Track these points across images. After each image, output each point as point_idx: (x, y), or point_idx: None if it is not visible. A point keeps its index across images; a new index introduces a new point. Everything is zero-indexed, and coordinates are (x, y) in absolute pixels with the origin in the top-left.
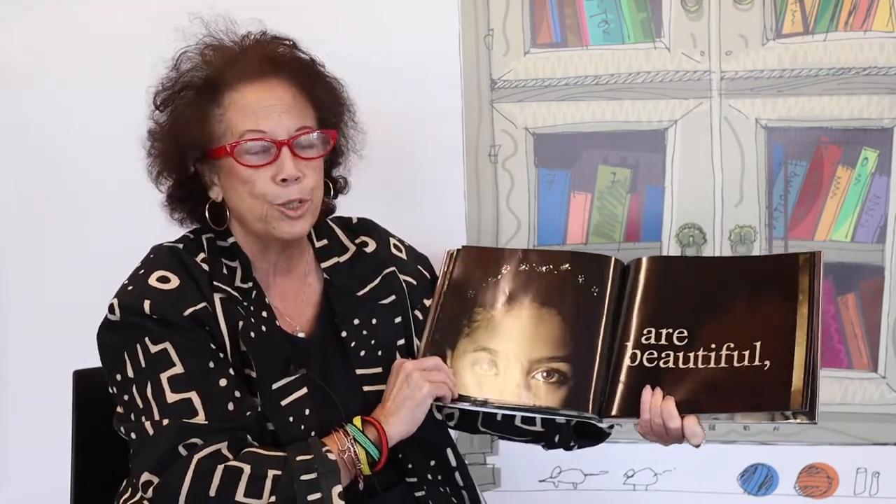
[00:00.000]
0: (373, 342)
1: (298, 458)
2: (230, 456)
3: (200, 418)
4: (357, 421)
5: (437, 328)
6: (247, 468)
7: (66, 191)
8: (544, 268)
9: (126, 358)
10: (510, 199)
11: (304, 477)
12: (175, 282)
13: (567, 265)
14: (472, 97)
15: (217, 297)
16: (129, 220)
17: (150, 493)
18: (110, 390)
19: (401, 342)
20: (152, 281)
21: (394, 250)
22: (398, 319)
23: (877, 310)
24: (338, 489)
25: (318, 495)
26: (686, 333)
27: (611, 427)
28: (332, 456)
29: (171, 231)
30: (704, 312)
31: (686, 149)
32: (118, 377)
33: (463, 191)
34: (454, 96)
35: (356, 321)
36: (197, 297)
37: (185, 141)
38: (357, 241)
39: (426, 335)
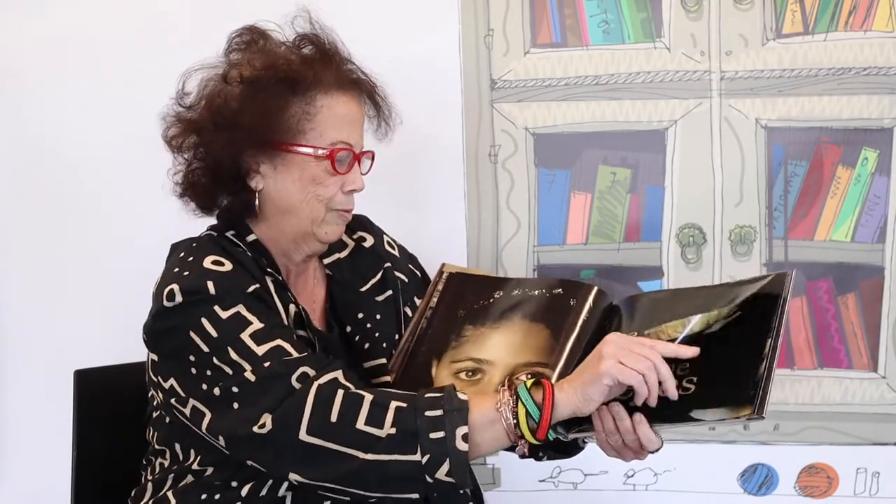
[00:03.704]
0: (377, 335)
1: (427, 395)
2: (349, 384)
3: (297, 355)
4: (529, 382)
5: (422, 341)
6: (368, 395)
7: (67, 191)
8: (536, 291)
9: (193, 336)
10: (510, 199)
11: (428, 413)
12: (229, 265)
13: (559, 290)
14: (472, 97)
15: (269, 279)
16: (130, 220)
17: (265, 430)
18: (168, 383)
19: (397, 336)
20: (207, 265)
21: (387, 247)
22: (395, 313)
23: (877, 310)
24: (462, 430)
25: (440, 434)
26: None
27: (584, 442)
28: (462, 396)
29: (171, 231)
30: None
31: (686, 149)
32: (192, 357)
33: (463, 191)
34: (454, 96)
35: (360, 315)
36: (251, 280)
37: (261, 127)
38: (355, 236)
39: (405, 345)
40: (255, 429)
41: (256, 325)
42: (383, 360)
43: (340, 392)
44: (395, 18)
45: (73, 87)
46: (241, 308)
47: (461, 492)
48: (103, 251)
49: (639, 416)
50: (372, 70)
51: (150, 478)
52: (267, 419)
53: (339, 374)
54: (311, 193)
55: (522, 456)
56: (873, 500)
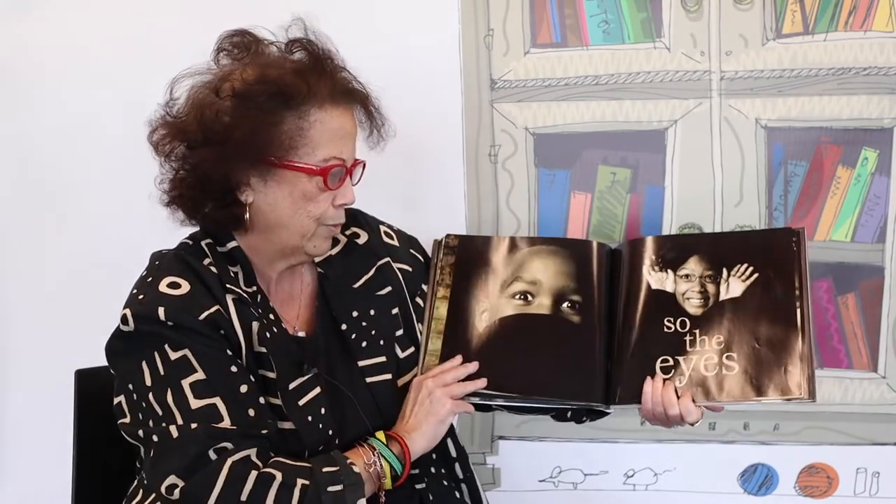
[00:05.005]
0: (373, 332)
1: (325, 470)
2: (259, 463)
3: (227, 423)
4: (381, 435)
5: (447, 334)
6: (278, 475)
7: (67, 190)
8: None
9: (144, 367)
10: (510, 199)
11: (330, 488)
12: (186, 287)
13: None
14: (472, 97)
15: (230, 298)
16: (130, 220)
17: (175, 495)
18: (117, 399)
19: (399, 332)
20: (163, 287)
21: (385, 238)
22: (395, 310)
23: (877, 310)
24: (361, 503)
25: None
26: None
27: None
28: (356, 468)
29: (172, 230)
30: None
31: (686, 149)
32: (131, 386)
33: (463, 191)
34: (454, 96)
35: (355, 313)
36: (210, 301)
37: (253, 142)
38: (347, 232)
39: (428, 335)
40: (166, 485)
41: (199, 374)
42: (381, 359)
43: (253, 472)
44: (396, 18)
45: (73, 88)
46: (187, 352)
47: (457, 496)
48: (104, 251)
49: (683, 392)
50: (371, 69)
51: (143, 482)
52: (177, 482)
53: (252, 453)
54: (303, 209)
55: (560, 419)
56: (873, 500)
